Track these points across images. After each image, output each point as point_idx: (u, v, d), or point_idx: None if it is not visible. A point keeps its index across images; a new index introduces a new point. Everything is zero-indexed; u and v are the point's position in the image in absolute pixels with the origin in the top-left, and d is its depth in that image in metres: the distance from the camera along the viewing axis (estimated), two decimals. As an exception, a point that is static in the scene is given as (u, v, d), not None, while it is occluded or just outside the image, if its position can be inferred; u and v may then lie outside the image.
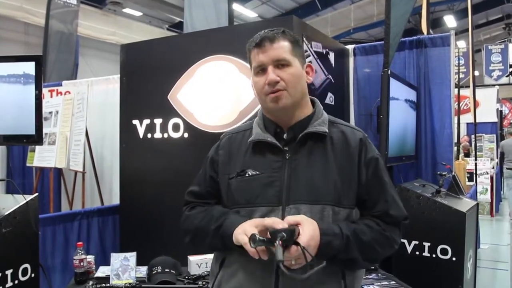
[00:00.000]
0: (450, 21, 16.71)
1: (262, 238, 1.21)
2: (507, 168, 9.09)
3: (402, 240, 3.01)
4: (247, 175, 1.40)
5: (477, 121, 7.48)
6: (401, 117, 3.30)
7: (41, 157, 4.86)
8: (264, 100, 1.40)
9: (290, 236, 1.19)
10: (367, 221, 1.40)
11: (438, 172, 3.21)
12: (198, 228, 1.45)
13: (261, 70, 1.39)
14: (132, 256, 2.65)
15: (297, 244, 1.19)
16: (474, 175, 7.25)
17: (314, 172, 1.37)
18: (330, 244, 1.27)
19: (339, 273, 1.35)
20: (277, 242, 1.17)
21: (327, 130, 1.42)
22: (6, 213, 2.37)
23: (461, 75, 9.45)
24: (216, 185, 1.49)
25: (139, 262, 2.70)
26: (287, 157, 1.39)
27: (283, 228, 1.21)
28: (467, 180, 6.44)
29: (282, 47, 1.38)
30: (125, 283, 2.55)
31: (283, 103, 1.37)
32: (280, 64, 1.37)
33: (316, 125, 1.42)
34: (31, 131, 2.64)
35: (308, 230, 1.23)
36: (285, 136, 1.42)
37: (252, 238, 1.21)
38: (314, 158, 1.39)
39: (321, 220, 1.32)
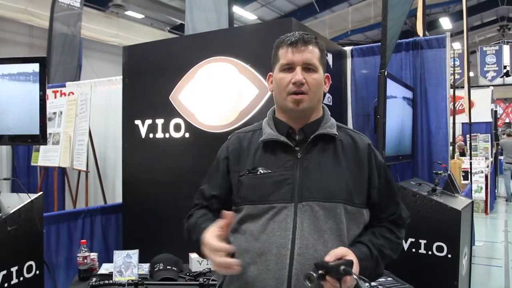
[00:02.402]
0: (445, 23, 16.78)
1: (319, 274, 1.23)
2: (506, 163, 10.43)
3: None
4: (258, 173, 1.43)
5: (472, 121, 7.51)
6: (397, 117, 3.33)
7: (46, 157, 4.91)
8: (285, 98, 1.43)
9: (351, 267, 1.25)
10: (384, 232, 1.48)
11: (434, 171, 3.22)
12: (189, 235, 1.51)
13: (288, 68, 1.43)
14: (134, 254, 2.67)
15: (351, 275, 1.23)
16: (469, 174, 7.28)
17: (326, 171, 1.42)
18: (366, 268, 1.35)
19: None
20: (355, 277, 1.21)
21: (337, 133, 1.47)
22: (12, 212, 2.40)
23: (457, 76, 9.48)
24: (226, 185, 1.52)
25: (142, 259, 2.73)
26: (298, 157, 1.43)
27: (341, 261, 1.25)
28: (462, 178, 6.46)
29: (314, 52, 1.43)
30: (128, 280, 2.55)
31: (303, 106, 1.42)
32: (308, 68, 1.42)
33: (326, 127, 1.47)
34: (36, 131, 2.68)
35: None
36: (296, 137, 1.46)
37: (308, 276, 1.23)
38: (325, 158, 1.44)
39: (334, 218, 1.38)
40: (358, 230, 1.44)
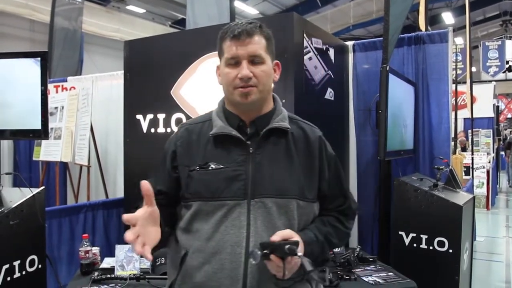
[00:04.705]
0: (448, 18, 16.75)
1: (264, 253, 1.23)
2: None
3: (400, 233, 3.06)
4: (210, 168, 1.38)
5: (474, 116, 7.50)
6: (399, 112, 3.33)
7: (47, 151, 4.91)
8: (232, 93, 1.39)
9: (297, 247, 1.24)
10: (332, 221, 1.49)
11: (436, 166, 3.21)
12: None
13: (234, 62, 1.38)
14: (136, 248, 2.70)
15: (296, 255, 1.23)
16: (471, 169, 7.29)
17: (278, 167, 1.39)
18: (312, 252, 1.34)
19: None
20: (299, 255, 1.22)
21: (289, 126, 1.44)
22: (14, 206, 2.42)
23: (459, 71, 9.48)
24: (173, 180, 1.44)
25: (143, 254, 2.75)
26: (250, 151, 1.39)
27: (287, 241, 1.25)
28: (463, 174, 6.47)
29: (259, 43, 1.38)
30: (130, 274, 2.57)
31: (252, 99, 1.37)
32: (254, 60, 1.37)
33: (278, 120, 1.43)
34: (38, 125, 2.70)
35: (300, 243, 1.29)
36: (248, 130, 1.42)
37: (253, 254, 1.24)
38: (277, 153, 1.41)
39: (286, 214, 1.37)
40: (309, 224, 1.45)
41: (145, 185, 1.22)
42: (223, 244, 1.33)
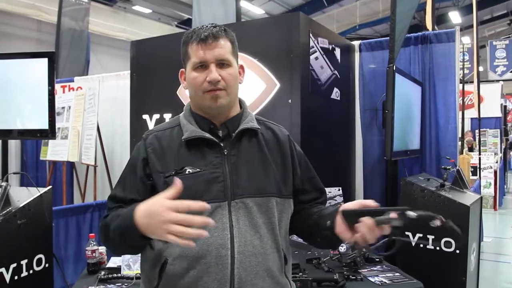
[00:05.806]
0: (455, 17, 16.63)
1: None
2: None
3: (406, 233, 3.05)
4: (187, 172, 1.36)
5: (481, 116, 7.44)
6: (406, 112, 3.32)
7: (54, 151, 4.94)
8: (201, 97, 1.39)
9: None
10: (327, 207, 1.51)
11: (443, 166, 3.21)
12: (107, 227, 1.34)
13: (201, 66, 1.38)
14: (142, 247, 2.70)
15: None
16: (478, 169, 7.24)
17: (254, 166, 1.41)
18: None
19: (280, 246, 1.40)
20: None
21: (259, 127, 1.46)
22: (21, 205, 2.43)
23: (466, 71, 9.43)
24: (147, 187, 1.39)
25: (149, 253, 2.75)
26: (225, 153, 1.39)
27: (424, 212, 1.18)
28: (471, 174, 6.46)
29: (225, 47, 1.39)
30: (136, 274, 2.57)
31: (221, 102, 1.38)
32: (222, 63, 1.38)
33: (248, 122, 1.45)
34: (45, 125, 2.72)
35: None
36: (220, 133, 1.43)
37: (407, 216, 1.16)
38: (251, 153, 1.43)
39: (266, 212, 1.38)
40: (288, 220, 1.46)
41: (179, 182, 1.18)
42: (207, 247, 1.31)
